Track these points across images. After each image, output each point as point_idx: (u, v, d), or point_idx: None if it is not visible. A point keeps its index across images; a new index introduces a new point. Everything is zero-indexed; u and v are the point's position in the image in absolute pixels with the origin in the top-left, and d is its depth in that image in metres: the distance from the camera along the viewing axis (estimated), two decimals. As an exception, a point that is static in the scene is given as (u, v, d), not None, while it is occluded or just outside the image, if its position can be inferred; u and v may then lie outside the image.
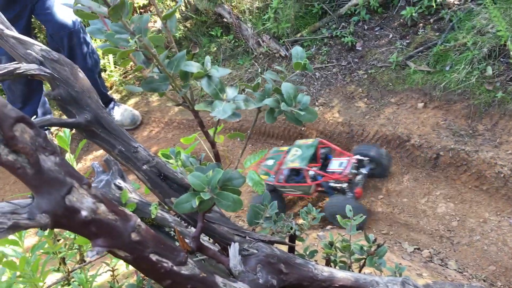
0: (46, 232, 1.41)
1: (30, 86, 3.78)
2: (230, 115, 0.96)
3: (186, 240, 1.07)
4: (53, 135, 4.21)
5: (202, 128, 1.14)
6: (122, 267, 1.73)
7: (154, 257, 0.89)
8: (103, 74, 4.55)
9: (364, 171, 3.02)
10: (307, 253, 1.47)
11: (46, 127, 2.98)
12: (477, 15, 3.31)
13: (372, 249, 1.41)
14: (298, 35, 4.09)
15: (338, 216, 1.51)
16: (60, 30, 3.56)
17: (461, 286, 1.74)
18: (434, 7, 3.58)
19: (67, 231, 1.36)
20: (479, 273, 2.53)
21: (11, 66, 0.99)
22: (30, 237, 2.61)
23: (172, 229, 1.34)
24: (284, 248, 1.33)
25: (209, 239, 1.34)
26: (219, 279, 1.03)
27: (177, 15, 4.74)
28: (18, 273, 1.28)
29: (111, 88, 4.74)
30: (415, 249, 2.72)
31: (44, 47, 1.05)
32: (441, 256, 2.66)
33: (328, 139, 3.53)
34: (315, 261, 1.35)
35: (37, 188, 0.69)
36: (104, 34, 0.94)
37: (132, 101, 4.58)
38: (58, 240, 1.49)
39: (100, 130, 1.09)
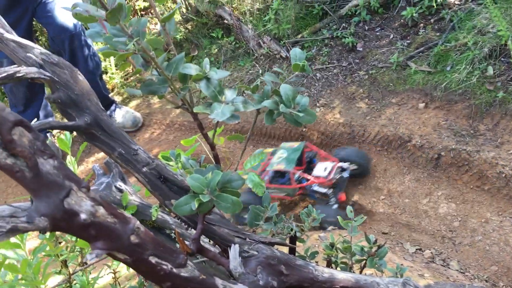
0: (48, 235, 1.41)
1: (32, 89, 3.79)
2: (228, 117, 0.96)
3: (187, 242, 1.07)
4: (55, 137, 4.22)
5: (201, 130, 1.15)
6: (123, 269, 1.74)
7: (153, 260, 0.89)
8: (104, 77, 4.56)
9: (345, 174, 3.05)
10: (308, 254, 1.47)
11: (47, 130, 2.99)
12: (477, 15, 3.31)
13: (373, 250, 1.41)
14: (299, 36, 4.10)
15: (339, 217, 1.52)
16: (61, 33, 3.58)
17: (462, 286, 1.74)
18: (435, 7, 3.58)
19: (68, 234, 1.36)
20: (481, 273, 2.52)
21: (11, 69, 0.99)
22: (32, 240, 2.62)
23: (173, 231, 1.34)
24: (285, 249, 1.34)
25: (210, 241, 1.34)
26: (219, 281, 1.03)
27: (178, 17, 4.75)
28: (20, 276, 1.29)
29: (112, 90, 4.75)
30: (416, 249, 2.71)
31: (44, 50, 1.06)
32: (443, 256, 2.66)
33: (329, 140, 3.53)
34: (316, 262, 1.35)
35: (36, 191, 0.69)
36: (102, 37, 0.94)
37: (134, 103, 4.58)
38: (60, 243, 1.49)
39: (100, 133, 1.09)
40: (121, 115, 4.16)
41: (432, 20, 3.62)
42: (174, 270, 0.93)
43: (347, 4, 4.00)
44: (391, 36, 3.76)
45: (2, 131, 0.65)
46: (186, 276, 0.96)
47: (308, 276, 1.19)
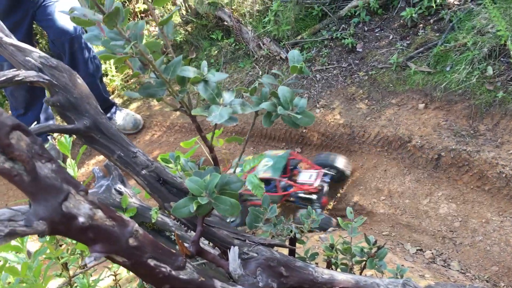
0: (48, 238, 1.41)
1: (33, 92, 3.80)
2: (226, 119, 0.97)
3: (186, 244, 1.07)
4: (55, 140, 4.23)
5: (200, 132, 1.15)
6: (124, 271, 1.74)
7: (152, 262, 0.89)
8: (104, 79, 4.57)
9: (327, 179, 3.12)
10: (308, 255, 1.47)
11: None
12: (477, 15, 3.31)
13: (373, 251, 1.41)
14: (299, 37, 4.10)
15: (339, 218, 1.53)
16: (61, 36, 3.59)
17: (463, 287, 1.74)
18: (434, 7, 3.58)
19: (68, 237, 1.36)
20: (482, 273, 2.52)
21: (10, 73, 1.00)
22: (33, 242, 2.62)
23: (173, 233, 1.34)
24: (285, 251, 1.34)
25: (209, 243, 1.34)
26: (218, 283, 1.03)
27: (178, 19, 4.76)
28: (20, 279, 1.29)
29: (113, 92, 4.76)
30: (417, 250, 2.71)
31: (43, 53, 1.06)
32: (444, 257, 2.66)
33: (329, 141, 3.53)
34: (316, 263, 1.35)
35: (34, 195, 0.70)
36: (100, 41, 0.94)
37: (134, 105, 4.59)
38: (60, 245, 1.50)
39: (99, 136, 1.10)
40: (122, 117, 4.17)
41: (431, 21, 3.62)
42: (173, 272, 0.93)
43: (347, 5, 4.00)
44: (391, 37, 3.76)
45: (0, 135, 0.65)
46: (185, 279, 0.96)
47: (308, 278, 1.19)
